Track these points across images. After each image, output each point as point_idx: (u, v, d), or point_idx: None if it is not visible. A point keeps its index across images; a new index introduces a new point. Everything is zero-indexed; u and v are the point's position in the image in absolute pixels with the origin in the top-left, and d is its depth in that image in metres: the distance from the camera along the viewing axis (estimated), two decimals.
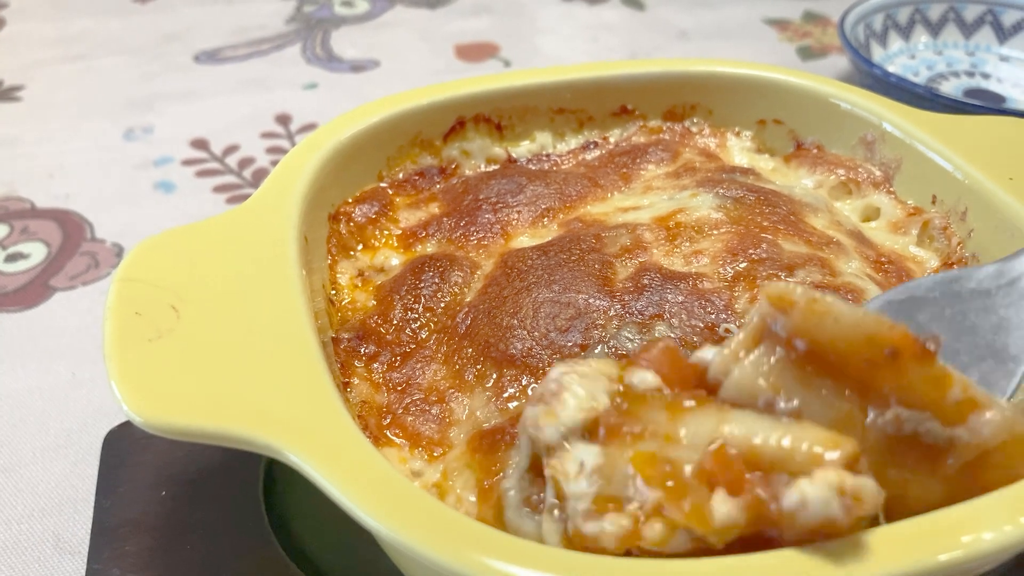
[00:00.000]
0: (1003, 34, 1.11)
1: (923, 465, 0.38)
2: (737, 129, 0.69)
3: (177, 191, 0.87)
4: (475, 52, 1.14)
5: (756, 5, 1.26)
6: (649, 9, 1.25)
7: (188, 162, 0.92)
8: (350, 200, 0.59)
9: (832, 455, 0.35)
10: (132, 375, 0.41)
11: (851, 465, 0.35)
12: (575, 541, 0.36)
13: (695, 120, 0.69)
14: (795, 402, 0.38)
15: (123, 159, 0.92)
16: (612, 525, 0.35)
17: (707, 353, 0.41)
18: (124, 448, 0.57)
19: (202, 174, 0.90)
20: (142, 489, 0.54)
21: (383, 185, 0.62)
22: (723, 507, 0.34)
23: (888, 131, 0.62)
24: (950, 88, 1.06)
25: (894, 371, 0.37)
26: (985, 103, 1.02)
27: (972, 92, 1.05)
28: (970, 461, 0.38)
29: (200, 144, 0.94)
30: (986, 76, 1.08)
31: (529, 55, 1.12)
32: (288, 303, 0.46)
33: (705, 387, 0.40)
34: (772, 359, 0.39)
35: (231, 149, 0.93)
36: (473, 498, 0.44)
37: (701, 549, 0.35)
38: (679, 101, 0.69)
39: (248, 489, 0.54)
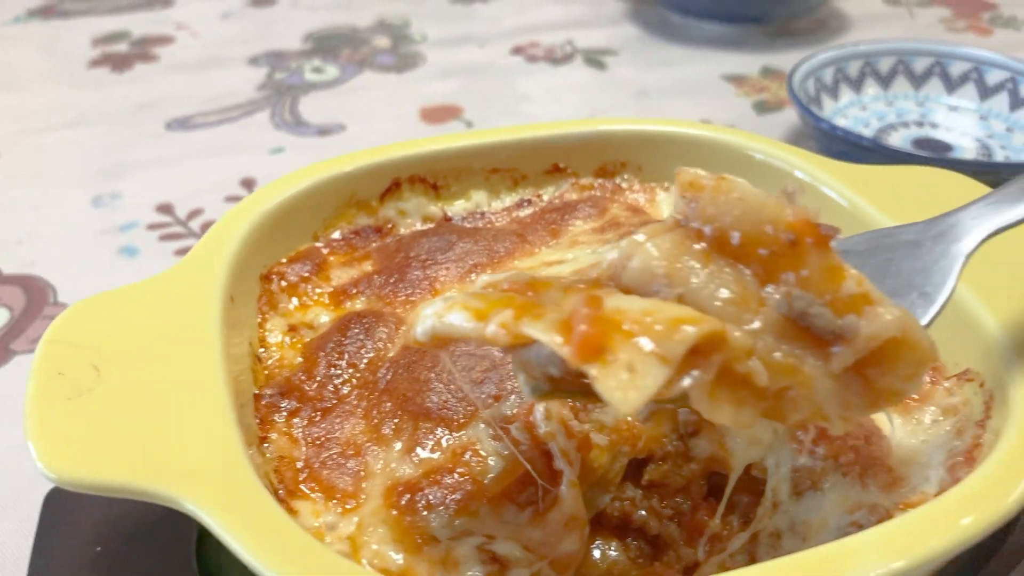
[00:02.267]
0: (951, 84, 1.14)
1: (814, 351, 0.39)
2: (666, 184, 0.71)
3: (140, 255, 0.90)
4: (439, 114, 1.17)
5: (715, 62, 1.29)
6: (610, 69, 1.29)
7: (152, 226, 0.94)
8: (284, 260, 0.62)
9: (689, 328, 0.35)
10: (47, 432, 0.43)
11: (710, 343, 0.36)
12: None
13: (625, 176, 0.72)
14: (679, 290, 0.39)
15: (89, 225, 0.95)
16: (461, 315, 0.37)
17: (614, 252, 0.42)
18: (63, 507, 0.58)
19: (165, 238, 0.93)
20: (77, 546, 0.55)
21: (318, 245, 0.64)
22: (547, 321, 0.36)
23: (801, 179, 0.64)
24: (899, 138, 1.08)
25: (793, 258, 0.39)
26: (932, 152, 1.05)
27: (920, 142, 1.08)
28: (860, 361, 0.39)
29: (165, 209, 0.97)
30: (935, 126, 1.11)
31: (492, 116, 1.16)
32: (204, 362, 0.48)
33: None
34: (678, 245, 0.40)
35: (195, 213, 0.96)
36: (395, 554, 0.45)
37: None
38: (609, 159, 0.72)
39: (181, 545, 0.56)
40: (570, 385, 0.39)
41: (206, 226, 0.94)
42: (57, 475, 0.42)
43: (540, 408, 0.48)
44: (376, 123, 1.16)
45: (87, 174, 1.04)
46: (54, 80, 1.28)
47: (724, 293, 0.39)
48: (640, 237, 0.41)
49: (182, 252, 0.90)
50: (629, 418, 0.49)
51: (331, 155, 1.04)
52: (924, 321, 0.46)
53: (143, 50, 1.35)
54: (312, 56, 1.33)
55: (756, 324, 0.39)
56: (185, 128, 1.13)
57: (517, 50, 1.34)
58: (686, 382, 0.36)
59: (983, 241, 0.48)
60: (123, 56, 1.33)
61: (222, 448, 0.43)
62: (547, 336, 0.36)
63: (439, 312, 0.39)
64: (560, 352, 0.35)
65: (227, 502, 0.40)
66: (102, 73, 1.29)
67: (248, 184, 1.01)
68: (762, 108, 1.18)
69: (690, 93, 1.22)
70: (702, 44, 1.35)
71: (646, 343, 0.36)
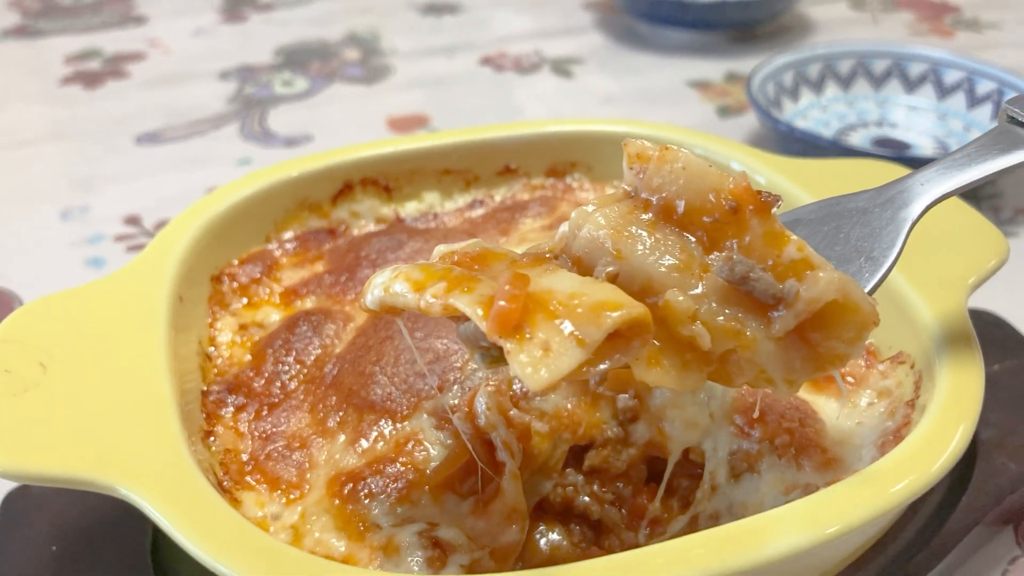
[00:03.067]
0: (909, 85, 1.16)
1: (757, 315, 0.40)
2: (616, 183, 0.72)
3: (107, 266, 0.91)
4: (406, 124, 1.18)
5: (680, 69, 1.31)
6: (577, 77, 1.31)
7: (120, 238, 0.95)
8: (235, 262, 0.63)
9: (610, 315, 0.36)
10: None
11: (632, 328, 0.37)
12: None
13: (576, 176, 0.73)
14: (623, 262, 0.40)
15: (57, 238, 0.96)
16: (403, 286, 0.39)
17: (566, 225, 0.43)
18: (21, 508, 0.59)
19: (132, 249, 0.94)
20: (33, 546, 0.56)
21: (270, 247, 0.65)
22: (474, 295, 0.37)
23: (736, 169, 0.65)
24: (859, 138, 1.10)
25: (735, 225, 0.40)
26: (891, 151, 1.07)
27: (880, 141, 1.10)
28: (803, 324, 0.40)
29: (133, 220, 0.98)
30: (894, 126, 1.13)
31: (459, 125, 1.17)
32: (149, 359, 0.49)
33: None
34: (626, 215, 0.41)
35: (161, 223, 0.97)
36: (337, 541, 0.46)
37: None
38: (559, 159, 0.73)
39: (136, 544, 0.56)
40: (500, 355, 0.40)
41: None
42: (1, 467, 0.43)
43: (481, 399, 0.49)
44: (344, 133, 1.17)
45: (56, 188, 1.05)
46: (26, 98, 1.29)
47: (668, 260, 0.40)
48: (589, 208, 0.42)
49: None
50: (540, 397, 0.50)
51: None
52: (870, 285, 0.47)
53: (115, 67, 1.36)
54: (282, 69, 1.34)
55: (699, 289, 0.40)
56: (155, 142, 1.15)
57: (485, 60, 1.36)
58: (603, 366, 0.37)
59: (930, 206, 0.49)
60: (95, 73, 1.34)
61: (163, 440, 0.44)
62: (470, 309, 0.37)
63: (385, 282, 0.41)
64: (480, 325, 0.37)
65: (167, 491, 0.41)
66: (74, 90, 1.30)
67: None
68: (725, 112, 1.20)
69: (655, 99, 1.24)
70: (668, 51, 1.37)
71: (566, 325, 0.37)
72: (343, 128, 1.18)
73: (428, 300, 0.39)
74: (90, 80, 1.32)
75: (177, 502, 0.40)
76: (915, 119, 1.13)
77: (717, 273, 0.40)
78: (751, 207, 0.40)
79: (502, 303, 0.37)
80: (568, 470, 0.52)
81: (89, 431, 0.44)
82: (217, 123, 1.19)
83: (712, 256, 0.41)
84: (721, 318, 0.40)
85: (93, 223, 0.98)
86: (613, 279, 0.40)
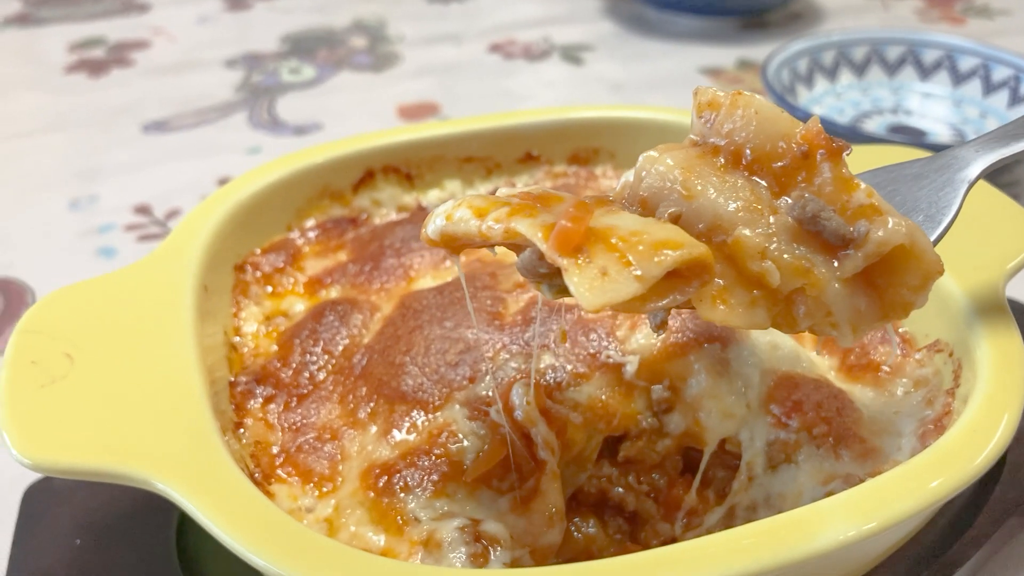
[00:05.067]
0: (924, 72, 1.15)
1: (825, 255, 0.40)
2: None
3: (118, 255, 0.90)
4: (416, 111, 1.17)
5: (692, 56, 1.30)
6: (587, 65, 1.30)
7: (130, 227, 0.94)
8: (257, 251, 0.62)
9: (670, 253, 0.36)
10: (21, 419, 0.43)
11: (692, 267, 0.37)
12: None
13: (599, 163, 0.72)
14: (674, 209, 0.40)
15: (67, 228, 0.95)
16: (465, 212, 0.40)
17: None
18: (43, 501, 0.58)
19: (143, 238, 0.93)
20: (57, 539, 0.55)
21: (292, 236, 0.64)
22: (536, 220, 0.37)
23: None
24: (875, 125, 1.09)
25: (806, 169, 0.40)
26: (907, 138, 1.06)
27: (896, 128, 1.09)
28: (869, 270, 0.40)
29: (143, 210, 0.97)
30: (909, 113, 1.12)
31: (469, 113, 1.16)
32: (177, 350, 0.48)
33: None
34: (694, 159, 0.41)
35: (173, 213, 0.96)
36: (375, 535, 0.45)
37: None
38: (582, 145, 0.72)
39: (161, 535, 0.56)
40: (563, 285, 0.39)
41: None
42: (31, 460, 0.42)
43: (518, 392, 0.48)
44: (353, 121, 1.16)
45: (64, 178, 1.04)
46: (31, 86, 1.28)
47: (738, 200, 0.40)
48: (654, 153, 0.42)
49: None
50: (574, 387, 0.50)
51: None
52: (931, 238, 0.46)
53: (119, 55, 1.35)
54: (289, 57, 1.33)
55: (769, 228, 0.40)
56: (162, 131, 1.13)
57: (495, 47, 1.35)
58: (662, 303, 0.37)
59: (985, 170, 0.49)
60: (99, 61, 1.33)
61: (195, 432, 0.43)
62: (531, 231, 0.37)
63: (448, 211, 0.41)
64: (539, 245, 0.36)
65: (200, 483, 0.40)
66: (79, 79, 1.29)
67: (224, 183, 1.01)
68: None
69: (666, 86, 1.23)
70: (678, 38, 1.36)
71: (625, 259, 0.36)
72: (353, 116, 1.17)
73: (490, 224, 0.39)
74: (94, 68, 1.31)
75: (215, 497, 0.39)
76: (930, 106, 1.12)
77: (788, 212, 0.40)
78: (822, 151, 0.40)
79: (564, 222, 0.36)
80: (603, 461, 0.51)
81: (120, 423, 0.43)
82: (225, 111, 1.18)
83: (781, 200, 0.40)
84: (790, 256, 0.39)
85: (102, 213, 0.97)
86: (675, 220, 0.40)
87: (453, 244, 0.42)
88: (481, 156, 0.71)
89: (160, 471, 0.40)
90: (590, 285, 0.35)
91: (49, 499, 0.58)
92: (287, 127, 1.14)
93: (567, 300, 0.55)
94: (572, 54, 1.32)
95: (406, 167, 0.69)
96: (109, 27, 1.44)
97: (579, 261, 0.35)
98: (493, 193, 0.70)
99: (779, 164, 0.40)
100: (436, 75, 1.27)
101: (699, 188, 0.40)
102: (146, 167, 1.06)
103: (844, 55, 1.16)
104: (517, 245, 0.40)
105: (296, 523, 0.39)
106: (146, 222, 0.95)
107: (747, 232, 0.39)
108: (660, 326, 0.41)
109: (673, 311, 0.52)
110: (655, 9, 1.41)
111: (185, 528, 0.56)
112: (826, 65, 1.15)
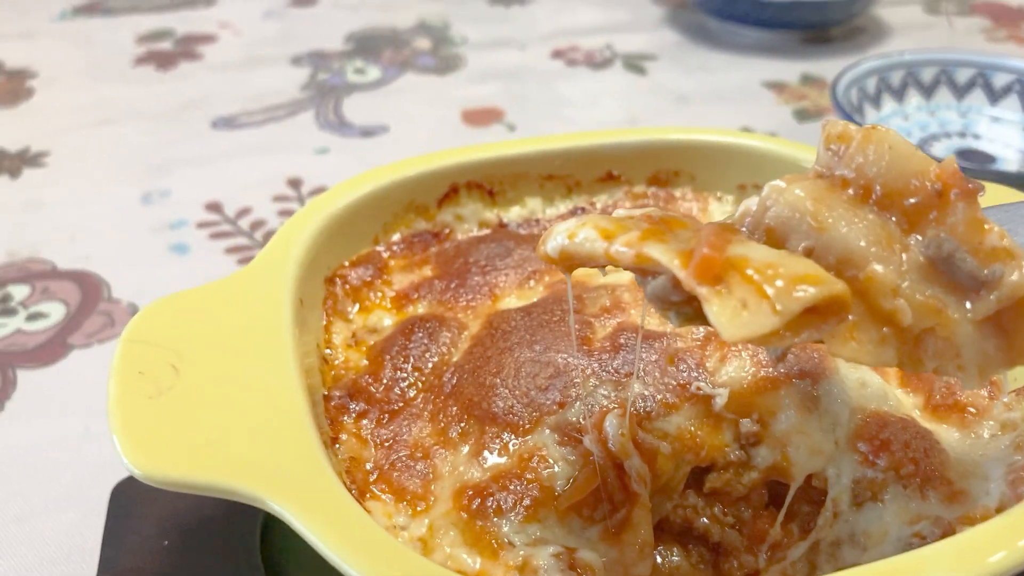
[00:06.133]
0: (994, 96, 1.14)
1: (956, 295, 0.40)
2: (719, 194, 0.72)
3: (191, 253, 0.92)
4: (481, 117, 1.18)
5: (755, 69, 1.30)
6: (650, 74, 1.30)
7: (202, 225, 0.96)
8: (346, 264, 0.63)
9: (809, 289, 0.36)
10: (132, 430, 0.45)
11: (829, 304, 0.37)
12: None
13: (679, 185, 0.72)
14: (820, 236, 0.40)
15: (140, 222, 0.96)
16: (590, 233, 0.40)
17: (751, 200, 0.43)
18: (130, 500, 0.60)
19: (215, 236, 0.94)
20: (146, 539, 0.57)
21: (379, 249, 0.65)
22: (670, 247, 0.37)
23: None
24: (942, 149, 1.08)
25: (938, 208, 0.40)
26: (976, 164, 1.05)
27: (964, 153, 1.08)
28: (1000, 312, 0.40)
29: (214, 207, 0.98)
30: (977, 137, 1.11)
31: (533, 120, 1.17)
32: (280, 363, 0.49)
33: None
34: (823, 190, 0.41)
35: (244, 212, 0.97)
36: (469, 557, 0.46)
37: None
38: (662, 167, 0.72)
39: (246, 539, 0.57)
40: (692, 313, 0.40)
41: (255, 225, 0.95)
42: (143, 472, 0.43)
43: (612, 422, 0.48)
44: (419, 125, 1.17)
45: (135, 171, 1.05)
46: (99, 77, 1.30)
47: (870, 236, 0.40)
48: (782, 183, 0.42)
49: (232, 251, 0.92)
50: (663, 417, 0.50)
51: (376, 156, 1.06)
52: None
53: (186, 48, 1.37)
54: (354, 57, 1.34)
55: (902, 265, 0.40)
56: (230, 127, 1.15)
57: (557, 54, 1.35)
58: (797, 339, 0.37)
59: None
60: (167, 54, 1.35)
61: (302, 448, 0.44)
62: (667, 257, 0.37)
63: (571, 229, 0.41)
64: (677, 273, 0.36)
65: (311, 502, 0.41)
66: (147, 71, 1.30)
67: (295, 183, 1.02)
68: (803, 116, 1.18)
69: (730, 99, 1.23)
70: (741, 50, 1.35)
71: (763, 291, 0.36)
72: (418, 120, 1.18)
73: (618, 249, 0.39)
74: (163, 61, 1.33)
75: (329, 519, 0.40)
76: (1000, 131, 1.11)
77: (922, 251, 0.40)
78: (956, 191, 0.40)
79: (705, 250, 0.37)
80: (689, 491, 0.52)
81: (229, 437, 0.45)
82: (293, 109, 1.19)
83: (911, 238, 0.41)
84: (922, 295, 0.40)
85: (174, 208, 0.99)
86: (809, 254, 0.40)
87: (569, 263, 0.42)
88: (562, 174, 0.72)
89: (273, 490, 0.41)
90: (731, 317, 0.35)
91: (137, 497, 0.60)
92: (353, 128, 1.15)
93: (655, 328, 0.56)
94: (634, 63, 1.32)
95: (489, 183, 0.70)
96: (176, 19, 1.46)
97: (719, 291, 0.36)
98: (574, 212, 0.71)
99: (911, 201, 0.40)
100: (500, 80, 1.28)
101: (830, 221, 0.40)
102: (216, 163, 1.07)
103: (913, 76, 1.15)
104: (644, 270, 0.40)
105: (408, 550, 0.40)
106: (217, 219, 0.96)
107: (880, 268, 0.39)
108: (780, 359, 0.42)
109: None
110: (717, 20, 1.41)
111: (269, 531, 0.58)
112: (894, 85, 1.14)
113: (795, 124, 1.16)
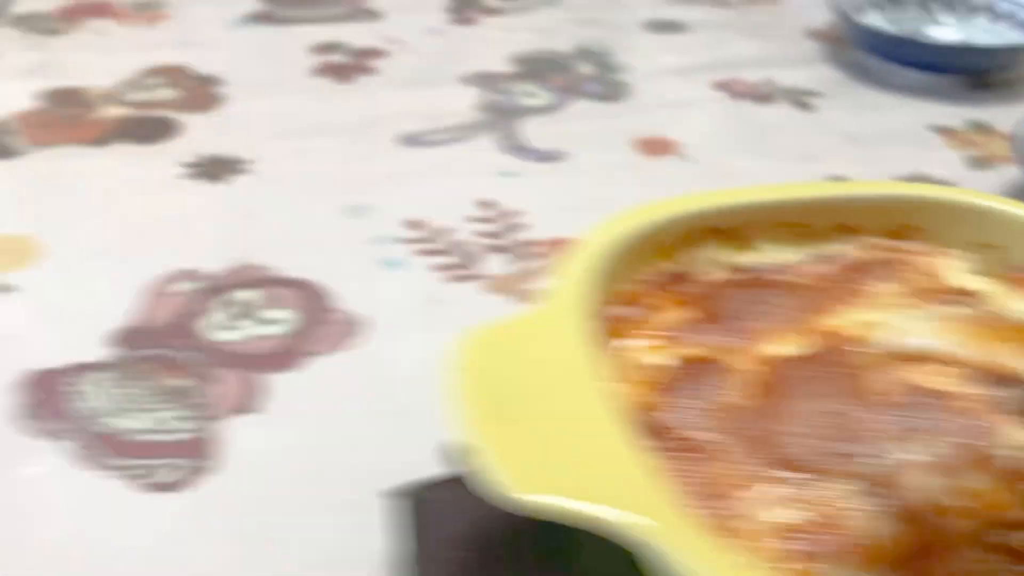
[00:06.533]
0: None
1: None
2: (954, 251, 0.74)
3: (401, 268, 0.96)
4: (655, 147, 1.21)
5: (920, 111, 1.31)
6: (817, 111, 1.32)
7: (406, 241, 1.00)
8: (616, 297, 0.66)
9: None
10: (503, 456, 0.48)
11: None
12: None
13: (915, 240, 0.75)
14: None
15: (348, 234, 1.01)
16: None
17: None
18: (425, 512, 0.64)
19: (420, 253, 0.99)
20: (444, 552, 0.60)
21: (643, 286, 0.69)
22: None
23: None
24: None
25: None
26: None
27: None
28: None
29: (416, 224, 1.03)
30: None
31: (710, 153, 1.20)
32: (598, 398, 0.53)
33: None
34: None
35: (443, 230, 1.02)
36: None
37: None
38: (895, 221, 0.75)
39: (551, 561, 0.60)
40: None
41: (456, 245, 1.00)
42: (524, 498, 0.46)
43: (915, 476, 0.51)
44: (594, 152, 1.20)
45: (335, 184, 1.10)
46: (281, 86, 1.35)
47: None
48: None
49: (439, 268, 0.96)
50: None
51: (559, 182, 1.09)
52: None
53: (360, 61, 1.42)
54: (523, 80, 1.38)
55: None
56: (418, 144, 1.20)
57: (720, 85, 1.38)
58: None
59: None
60: (342, 66, 1.40)
61: (656, 486, 0.48)
62: None
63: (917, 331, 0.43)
64: None
65: (688, 545, 0.44)
66: (325, 83, 1.36)
67: (487, 205, 1.06)
68: (973, 163, 1.20)
69: (900, 142, 1.24)
70: (904, 91, 1.37)
71: None
72: (593, 147, 1.21)
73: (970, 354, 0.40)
74: (339, 73, 1.38)
75: (708, 562, 0.44)
76: None
77: None
78: None
79: None
80: (978, 547, 0.54)
81: (592, 472, 0.48)
82: (473, 130, 1.23)
83: None
84: None
85: (378, 222, 1.03)
86: None
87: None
88: (794, 222, 0.75)
89: (654, 531, 0.45)
90: None
91: (434, 509, 0.64)
92: (532, 152, 1.19)
93: (935, 387, 0.59)
94: (799, 99, 1.35)
95: (725, 228, 0.73)
96: (345, 32, 1.51)
97: None
98: (815, 260, 0.74)
99: None
100: (668, 109, 1.31)
101: None
102: (408, 179, 1.12)
103: None
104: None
105: None
106: (422, 236, 1.01)
107: None
108: None
109: None
110: (877, 59, 1.42)
111: (573, 554, 0.61)
112: None
113: (967, 171, 1.18)
